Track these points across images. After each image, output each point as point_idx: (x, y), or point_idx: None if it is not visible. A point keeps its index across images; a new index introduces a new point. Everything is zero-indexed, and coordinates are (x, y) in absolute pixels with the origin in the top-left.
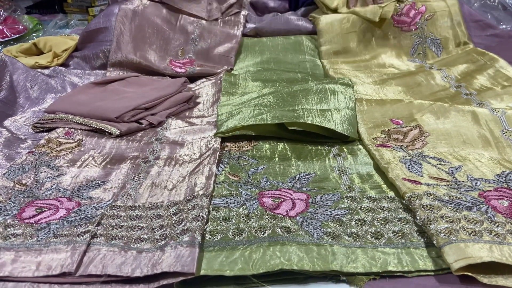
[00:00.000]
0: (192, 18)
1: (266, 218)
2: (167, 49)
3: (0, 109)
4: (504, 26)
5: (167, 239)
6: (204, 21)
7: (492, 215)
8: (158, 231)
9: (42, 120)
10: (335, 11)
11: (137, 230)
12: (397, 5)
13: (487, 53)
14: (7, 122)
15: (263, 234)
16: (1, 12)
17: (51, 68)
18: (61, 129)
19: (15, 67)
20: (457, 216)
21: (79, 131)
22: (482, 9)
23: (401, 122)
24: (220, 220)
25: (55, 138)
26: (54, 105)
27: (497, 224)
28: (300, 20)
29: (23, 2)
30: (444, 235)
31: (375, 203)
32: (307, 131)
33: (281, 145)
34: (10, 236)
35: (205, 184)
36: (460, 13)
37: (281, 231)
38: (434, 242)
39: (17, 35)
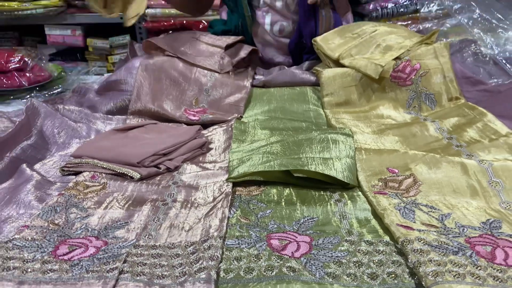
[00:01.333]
0: (205, 71)
1: (274, 258)
2: (182, 99)
3: (31, 153)
4: (495, 80)
5: (186, 276)
6: (216, 74)
7: (476, 259)
8: (177, 268)
9: (69, 164)
10: (337, 61)
11: (158, 268)
12: (394, 62)
13: (476, 107)
14: (37, 166)
15: (271, 273)
16: (29, 61)
17: (78, 110)
18: (87, 172)
19: (45, 114)
20: (444, 260)
21: (104, 175)
22: (475, 64)
23: (396, 171)
24: (233, 260)
25: (82, 181)
26: (80, 150)
27: (479, 268)
28: (304, 73)
29: (47, 50)
30: (432, 276)
31: (372, 246)
32: (311, 177)
33: (287, 190)
34: (48, 271)
35: (218, 226)
36: (452, 71)
37: (287, 270)
38: (423, 283)
39: (43, 82)
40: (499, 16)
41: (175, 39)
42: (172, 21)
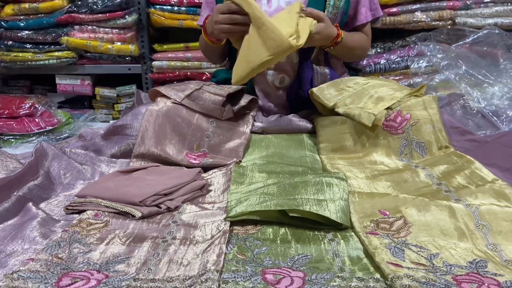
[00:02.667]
0: (208, 118)
1: None
2: (184, 144)
3: (37, 193)
4: (483, 131)
5: None
6: (218, 120)
7: None
8: None
9: (74, 203)
10: (332, 110)
11: None
12: (386, 112)
13: (464, 156)
14: (42, 205)
15: None
16: (39, 107)
17: (84, 153)
18: (91, 211)
19: (53, 156)
20: None
21: (106, 213)
22: (464, 116)
23: (388, 213)
24: None
25: (85, 219)
26: (84, 190)
27: None
28: (301, 121)
29: (56, 98)
30: None
31: (363, 282)
32: (305, 218)
33: (282, 230)
34: None
35: (216, 260)
36: (441, 121)
37: None
38: None
39: (51, 127)
40: (485, 72)
41: (180, 88)
42: (177, 72)
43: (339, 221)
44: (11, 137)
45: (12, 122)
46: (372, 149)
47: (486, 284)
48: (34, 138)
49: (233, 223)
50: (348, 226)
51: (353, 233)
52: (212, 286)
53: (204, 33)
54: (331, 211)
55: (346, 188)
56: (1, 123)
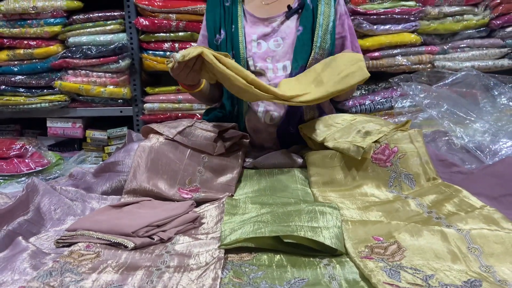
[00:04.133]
0: (200, 153)
1: None
2: (176, 179)
3: (27, 227)
4: (468, 166)
5: None
6: (210, 156)
7: None
8: None
9: (64, 236)
10: (321, 144)
11: None
12: (374, 145)
13: (452, 186)
14: (32, 239)
15: None
16: (30, 148)
17: (74, 190)
18: (82, 243)
19: (44, 191)
20: None
21: (98, 245)
22: (449, 152)
23: (381, 239)
24: None
25: (77, 250)
26: (75, 224)
27: None
28: (292, 156)
29: (46, 141)
30: None
31: None
32: (300, 244)
33: (277, 256)
34: None
35: (211, 284)
36: (427, 154)
37: None
38: None
39: (41, 168)
40: (466, 110)
41: (172, 125)
42: (168, 114)
43: (334, 247)
44: (1, 177)
45: (2, 163)
46: (362, 182)
47: None
48: (23, 178)
49: (227, 251)
50: (342, 252)
51: (348, 259)
52: None
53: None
54: (326, 237)
55: (339, 217)
56: None
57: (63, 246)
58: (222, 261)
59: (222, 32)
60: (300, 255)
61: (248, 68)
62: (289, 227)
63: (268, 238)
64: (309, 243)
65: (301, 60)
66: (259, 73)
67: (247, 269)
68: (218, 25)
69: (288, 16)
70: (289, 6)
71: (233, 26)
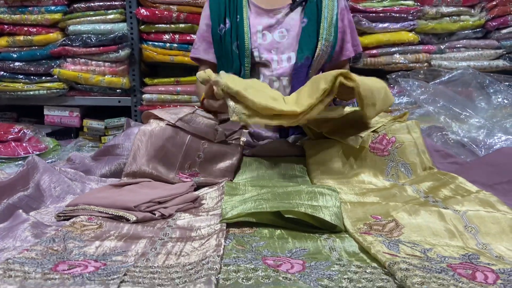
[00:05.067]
0: (200, 139)
1: (270, 271)
2: (176, 163)
3: (27, 202)
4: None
5: (186, 283)
6: (210, 142)
7: (458, 277)
8: (176, 280)
9: (65, 211)
10: (320, 133)
11: (158, 280)
12: (372, 135)
13: (448, 173)
14: (32, 213)
15: (268, 281)
16: (28, 132)
17: (73, 171)
18: (84, 216)
19: (44, 169)
20: (429, 275)
21: (100, 218)
22: (445, 147)
23: (380, 217)
24: (231, 272)
25: (79, 221)
26: (76, 200)
27: (461, 283)
28: (290, 145)
29: (43, 129)
30: (418, 285)
31: (361, 269)
32: (300, 221)
33: (278, 230)
34: (50, 279)
35: (215, 248)
36: (424, 144)
37: (283, 279)
38: None
39: (38, 152)
40: (462, 106)
41: (173, 111)
42: (167, 105)
43: (333, 223)
44: None
45: (0, 146)
46: (359, 170)
47: (480, 270)
48: (21, 162)
49: (229, 225)
50: (342, 229)
51: (347, 235)
52: (214, 266)
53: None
54: (325, 214)
55: (338, 198)
56: None
57: (64, 220)
58: (224, 232)
59: (227, 21)
60: (300, 230)
61: (252, 58)
62: (290, 203)
63: (269, 213)
64: (309, 219)
65: (307, 51)
66: (263, 64)
67: (249, 239)
68: (222, 14)
69: (292, 8)
70: None
71: (238, 17)
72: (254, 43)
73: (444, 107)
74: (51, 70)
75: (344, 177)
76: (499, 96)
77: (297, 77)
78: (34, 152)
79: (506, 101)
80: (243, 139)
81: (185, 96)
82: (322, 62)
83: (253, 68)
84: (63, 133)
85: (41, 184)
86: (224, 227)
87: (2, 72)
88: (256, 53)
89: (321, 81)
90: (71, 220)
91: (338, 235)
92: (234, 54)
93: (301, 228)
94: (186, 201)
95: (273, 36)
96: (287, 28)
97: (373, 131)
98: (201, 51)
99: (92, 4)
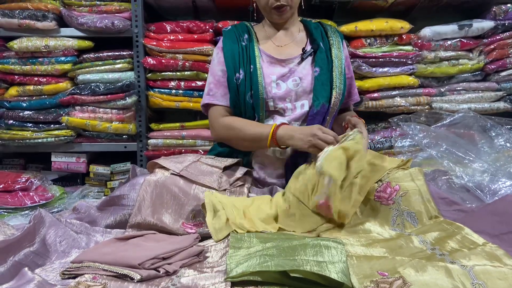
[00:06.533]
0: (204, 188)
1: None
2: (181, 213)
3: (33, 259)
4: (469, 205)
5: None
6: (214, 191)
7: None
8: None
9: (70, 268)
10: None
11: None
12: (376, 184)
13: (454, 223)
14: (37, 271)
15: None
16: (35, 181)
17: (79, 223)
18: (89, 274)
19: (50, 223)
20: None
21: (105, 276)
22: (449, 191)
23: (386, 274)
24: None
25: (84, 281)
26: (81, 256)
27: None
28: None
29: (50, 175)
30: None
31: None
32: (306, 278)
33: None
34: None
35: None
36: (429, 192)
37: None
38: None
39: (45, 201)
40: (465, 150)
41: (178, 160)
42: (172, 149)
43: (340, 280)
44: (4, 210)
45: (7, 196)
46: (365, 220)
47: None
48: (27, 211)
49: (233, 284)
50: (349, 286)
51: None
52: None
53: (274, 134)
54: (331, 271)
55: (343, 251)
56: None
57: (69, 278)
58: None
59: (241, 71)
60: None
61: (267, 107)
62: (295, 261)
63: (274, 272)
64: (315, 278)
65: (322, 98)
66: (277, 112)
67: None
68: (237, 63)
69: (304, 57)
70: (303, 49)
71: (251, 66)
72: (269, 93)
73: (447, 151)
74: (60, 118)
75: (350, 227)
76: (501, 139)
77: (313, 123)
78: (41, 201)
79: (508, 144)
80: (247, 185)
81: (190, 140)
82: (336, 108)
83: (266, 115)
84: (69, 179)
85: (47, 239)
86: (229, 287)
87: (12, 121)
88: (271, 103)
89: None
90: (76, 280)
91: None
92: (248, 104)
93: (307, 287)
94: (190, 255)
95: (287, 84)
96: (300, 76)
97: (377, 181)
98: (219, 96)
99: (101, 54)
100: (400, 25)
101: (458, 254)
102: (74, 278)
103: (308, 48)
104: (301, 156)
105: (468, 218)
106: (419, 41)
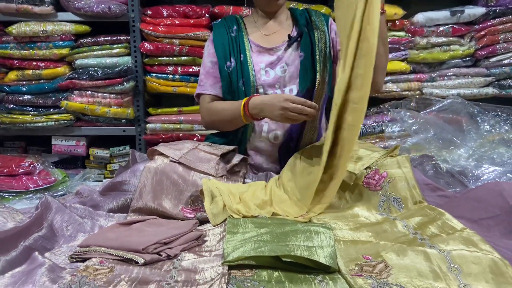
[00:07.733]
0: (202, 175)
1: None
2: (180, 199)
3: (42, 243)
4: (453, 189)
5: None
6: (211, 177)
7: None
8: None
9: (78, 252)
10: None
11: None
12: (365, 171)
13: (436, 208)
14: (47, 254)
15: None
16: (38, 166)
17: (83, 208)
18: (96, 258)
19: (56, 209)
20: None
21: (111, 260)
22: (435, 175)
23: (370, 257)
24: None
25: (92, 265)
26: (87, 240)
27: None
28: None
29: (50, 158)
30: None
31: None
32: (297, 263)
33: (276, 273)
34: None
35: None
36: (414, 178)
37: None
38: None
39: (48, 185)
40: (451, 136)
41: (176, 147)
42: (170, 134)
43: (328, 264)
44: (9, 194)
45: (12, 180)
46: (354, 204)
47: None
48: (31, 195)
49: (230, 267)
50: (335, 269)
51: (340, 276)
52: None
53: (245, 109)
54: (320, 256)
55: (332, 236)
56: (0, 181)
57: (77, 261)
58: (226, 276)
59: (232, 60)
60: (297, 272)
61: (257, 94)
62: (286, 246)
63: (268, 256)
64: (305, 262)
65: (306, 83)
66: None
67: (249, 284)
68: (227, 53)
69: (289, 44)
70: (289, 35)
71: (241, 56)
72: (259, 81)
73: (434, 137)
74: (59, 102)
75: (340, 211)
76: (487, 125)
77: None
78: (44, 185)
79: (493, 130)
80: (243, 171)
81: (187, 125)
82: (323, 91)
83: None
84: (70, 162)
85: (54, 224)
86: (226, 270)
87: (12, 105)
88: (261, 90)
89: None
90: (85, 264)
91: (332, 277)
92: (241, 91)
93: (297, 269)
94: (190, 240)
95: (275, 71)
96: (287, 62)
97: (366, 168)
98: (207, 86)
99: (98, 39)
100: (394, 11)
101: (437, 239)
102: (82, 261)
103: (294, 33)
104: (293, 139)
105: (450, 204)
106: (412, 27)
